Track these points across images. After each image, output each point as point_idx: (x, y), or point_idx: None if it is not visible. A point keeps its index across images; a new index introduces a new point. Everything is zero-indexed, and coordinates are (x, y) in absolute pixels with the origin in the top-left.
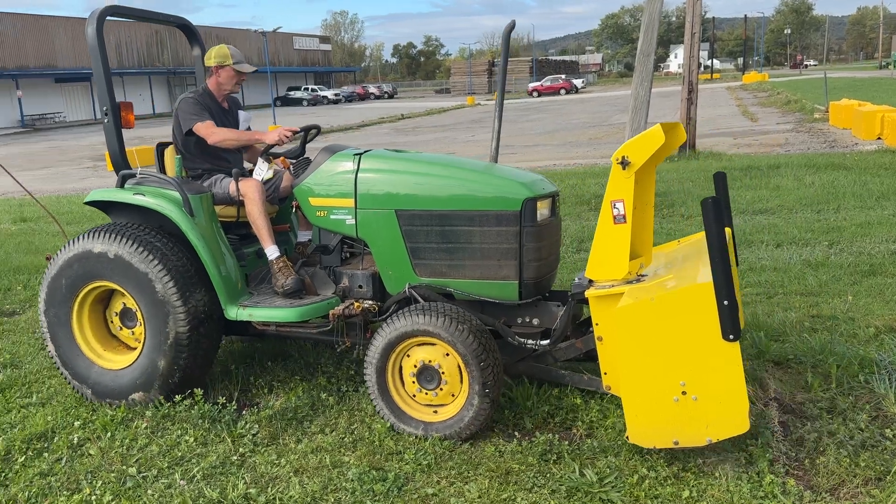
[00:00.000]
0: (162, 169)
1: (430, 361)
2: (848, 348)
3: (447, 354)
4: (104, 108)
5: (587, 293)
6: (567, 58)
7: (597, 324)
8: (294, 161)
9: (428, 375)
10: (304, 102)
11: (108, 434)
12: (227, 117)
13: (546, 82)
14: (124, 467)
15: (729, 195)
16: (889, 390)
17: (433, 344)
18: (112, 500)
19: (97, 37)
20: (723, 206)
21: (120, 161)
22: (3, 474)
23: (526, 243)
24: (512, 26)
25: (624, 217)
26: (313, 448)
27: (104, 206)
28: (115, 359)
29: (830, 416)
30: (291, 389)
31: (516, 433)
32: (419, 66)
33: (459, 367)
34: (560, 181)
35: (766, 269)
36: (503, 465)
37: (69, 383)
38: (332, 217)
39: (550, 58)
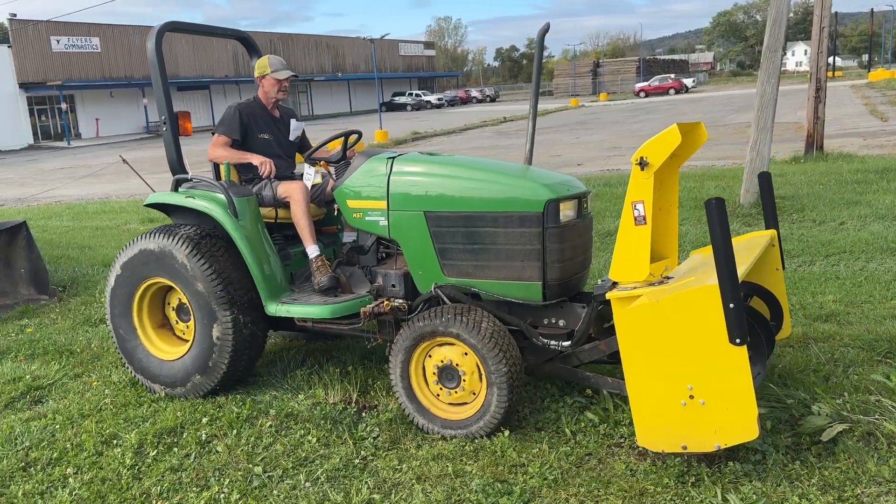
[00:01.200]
0: (218, 173)
1: (450, 361)
2: None
3: (465, 354)
4: (163, 118)
5: (608, 295)
6: (676, 57)
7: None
8: (335, 165)
9: (448, 374)
10: (408, 107)
11: (234, 431)
12: (277, 125)
13: (654, 82)
14: (250, 466)
15: (774, 197)
16: None
17: (452, 344)
18: (239, 499)
19: (156, 51)
20: (725, 207)
21: (177, 166)
22: (137, 467)
23: (549, 244)
24: (546, 29)
25: (644, 218)
26: (434, 455)
27: (165, 208)
28: (170, 350)
29: None
30: None
31: (649, 452)
32: (521, 68)
33: (477, 365)
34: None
35: None
36: (636, 485)
37: (132, 373)
38: (367, 218)
39: (658, 57)
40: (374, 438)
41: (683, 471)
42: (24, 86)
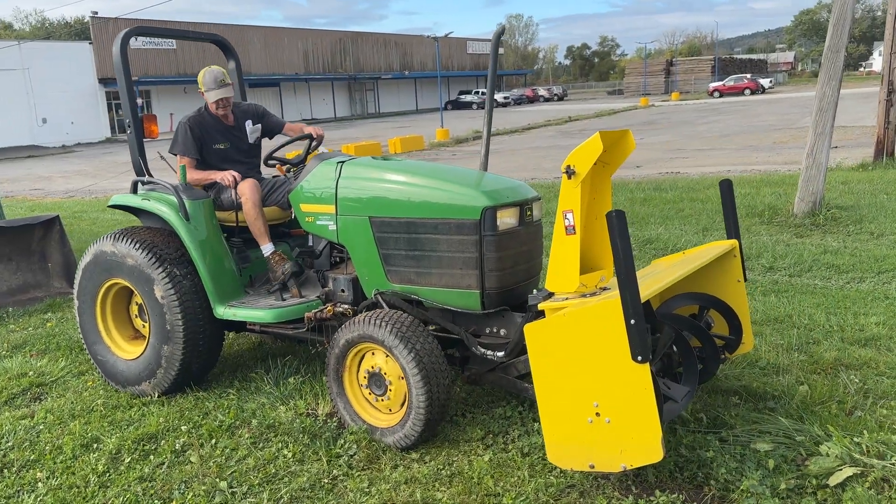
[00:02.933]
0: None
1: (378, 368)
2: None
3: (388, 361)
4: (127, 122)
5: (541, 305)
6: (754, 56)
7: None
8: (293, 168)
9: (377, 381)
10: (474, 105)
11: (213, 441)
12: (232, 132)
13: (729, 82)
14: (218, 480)
15: (735, 205)
16: None
17: (379, 351)
18: None
19: (121, 55)
20: (625, 219)
21: (140, 168)
22: (108, 474)
23: (487, 253)
24: (501, 31)
25: (574, 228)
26: (407, 478)
27: (132, 210)
28: (130, 349)
29: None
30: None
31: (634, 487)
32: (592, 67)
33: (400, 374)
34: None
35: None
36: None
37: (101, 376)
38: (318, 222)
39: (735, 56)
40: (351, 456)
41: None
42: (103, 81)
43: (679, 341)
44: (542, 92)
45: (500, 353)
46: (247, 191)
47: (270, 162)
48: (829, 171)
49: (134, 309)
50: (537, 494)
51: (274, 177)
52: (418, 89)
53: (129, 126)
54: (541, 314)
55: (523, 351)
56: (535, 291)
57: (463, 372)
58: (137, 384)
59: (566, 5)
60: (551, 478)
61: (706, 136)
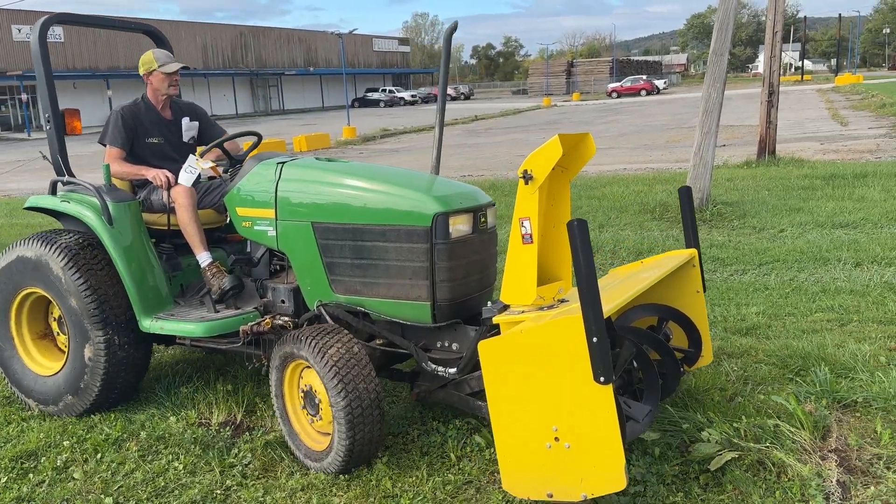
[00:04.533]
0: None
1: (310, 386)
2: None
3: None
4: (46, 116)
5: (496, 319)
6: (650, 58)
7: None
8: (229, 168)
9: (311, 400)
10: (381, 103)
11: (98, 456)
12: (168, 127)
13: (626, 83)
14: (102, 496)
15: (694, 212)
16: None
17: (310, 367)
18: None
19: (40, 45)
20: (587, 228)
21: (61, 167)
22: None
23: (438, 262)
24: (453, 28)
25: (531, 237)
26: (304, 485)
27: (51, 213)
28: (48, 364)
29: None
30: None
31: None
32: (497, 67)
33: (329, 404)
34: (626, 187)
35: (841, 292)
36: None
37: (16, 395)
38: (255, 228)
39: (632, 58)
40: (245, 465)
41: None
42: None
43: (640, 357)
44: (449, 91)
45: (453, 370)
46: (181, 196)
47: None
48: (715, 169)
49: (53, 322)
50: (435, 493)
51: (210, 178)
52: (324, 86)
53: (48, 121)
54: (495, 328)
55: (476, 367)
56: (489, 304)
57: (412, 389)
58: (56, 403)
59: (471, 5)
60: (449, 475)
61: (605, 135)
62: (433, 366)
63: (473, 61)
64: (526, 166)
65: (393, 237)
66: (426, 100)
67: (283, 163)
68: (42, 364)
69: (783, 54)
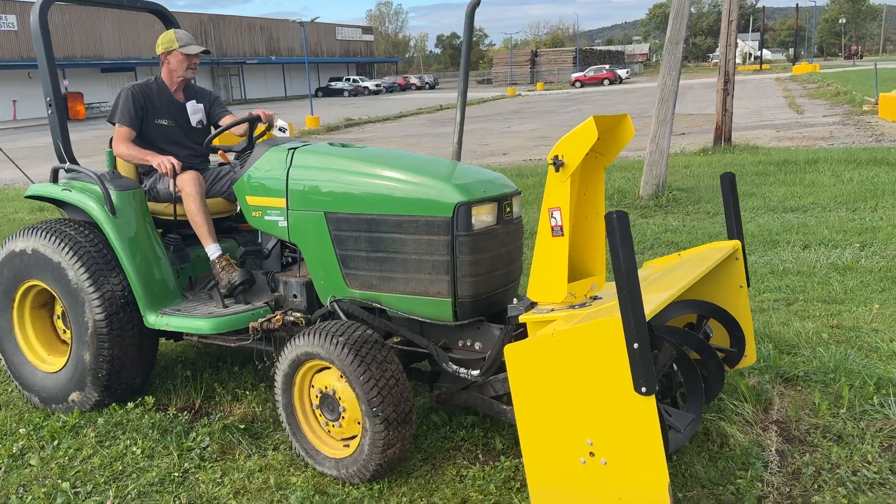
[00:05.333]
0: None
1: (331, 389)
2: (865, 365)
3: (341, 377)
4: (48, 100)
5: (522, 318)
6: (613, 48)
7: None
8: (239, 154)
9: (329, 405)
10: (346, 93)
11: (55, 442)
12: (181, 111)
13: (589, 73)
14: (59, 481)
15: (738, 201)
16: None
17: (328, 368)
18: None
19: (41, 25)
20: (628, 221)
21: (62, 154)
22: None
23: (460, 255)
24: (476, 3)
25: (561, 228)
26: (262, 466)
27: (53, 201)
28: (52, 360)
29: (837, 445)
30: (256, 398)
31: (480, 455)
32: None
33: (354, 398)
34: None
35: (788, 273)
36: (461, 491)
37: (20, 392)
38: (266, 218)
39: (595, 48)
40: (203, 449)
41: (510, 476)
42: None
43: (681, 360)
44: (413, 80)
45: (475, 372)
46: (188, 185)
47: (213, 146)
48: (673, 157)
49: (58, 319)
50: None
51: (220, 164)
52: (287, 75)
53: (50, 106)
54: (522, 328)
55: (501, 368)
56: (515, 301)
57: (432, 390)
58: (60, 401)
59: None
60: (457, 486)
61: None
62: (454, 367)
63: (438, 51)
64: (557, 151)
65: (411, 228)
66: (390, 89)
67: (295, 149)
68: (46, 360)
69: (743, 44)
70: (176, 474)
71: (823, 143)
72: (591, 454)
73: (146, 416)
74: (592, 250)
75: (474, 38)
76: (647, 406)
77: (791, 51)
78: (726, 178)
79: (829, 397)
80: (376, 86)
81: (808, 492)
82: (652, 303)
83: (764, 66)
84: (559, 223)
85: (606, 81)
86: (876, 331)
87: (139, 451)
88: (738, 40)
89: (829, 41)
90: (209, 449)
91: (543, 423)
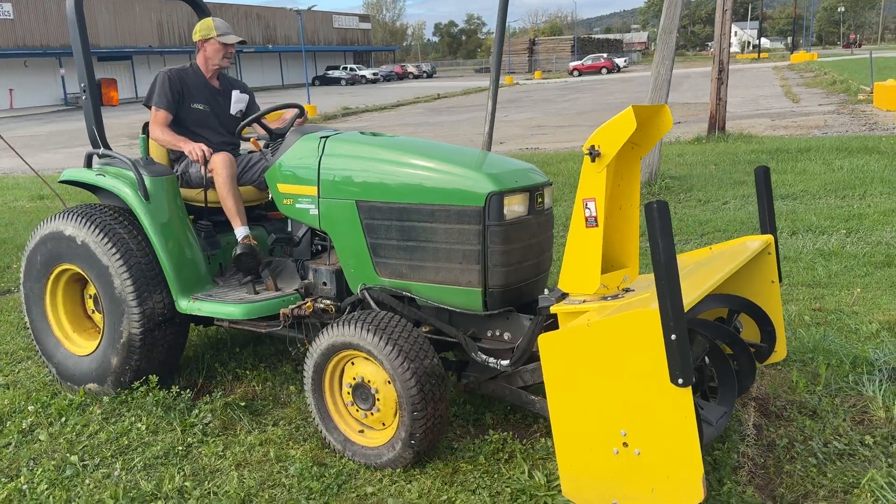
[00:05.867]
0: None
1: (363, 378)
2: (843, 346)
3: (377, 371)
4: (82, 86)
5: (553, 308)
6: (611, 36)
7: None
8: (269, 143)
9: (363, 394)
10: (343, 82)
11: (63, 419)
12: (215, 96)
13: (587, 61)
14: (68, 455)
15: (772, 194)
16: (878, 393)
17: (366, 358)
18: (47, 489)
19: (77, 12)
20: (668, 211)
21: (96, 139)
22: None
23: (491, 245)
24: None
25: (596, 219)
26: (262, 440)
27: (88, 187)
28: (83, 344)
29: (811, 419)
30: (256, 377)
31: (471, 429)
32: (460, 45)
33: (396, 401)
34: (580, 163)
35: None
36: (452, 463)
37: (40, 358)
38: (297, 206)
39: (593, 36)
40: (205, 425)
41: (498, 448)
42: None
43: (714, 353)
44: (411, 69)
45: (505, 362)
46: (219, 165)
47: (245, 136)
48: (667, 145)
49: (89, 299)
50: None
51: (249, 152)
52: (284, 64)
53: (84, 91)
54: (552, 318)
55: (531, 359)
56: (546, 291)
57: (460, 379)
58: (91, 382)
59: None
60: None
61: (565, 113)
62: (483, 356)
63: (436, 39)
64: (593, 141)
65: (442, 218)
66: (388, 78)
67: (327, 137)
68: (77, 343)
69: (742, 32)
70: (179, 448)
71: (817, 131)
72: (625, 444)
73: (150, 394)
74: (626, 242)
75: (472, 27)
76: (684, 397)
77: (790, 39)
78: (760, 171)
79: (807, 375)
80: (374, 74)
81: (781, 462)
82: (688, 296)
83: (762, 54)
84: (593, 214)
85: (604, 70)
86: (856, 313)
87: (144, 427)
88: (737, 28)
89: (828, 30)
90: (211, 425)
91: (576, 413)
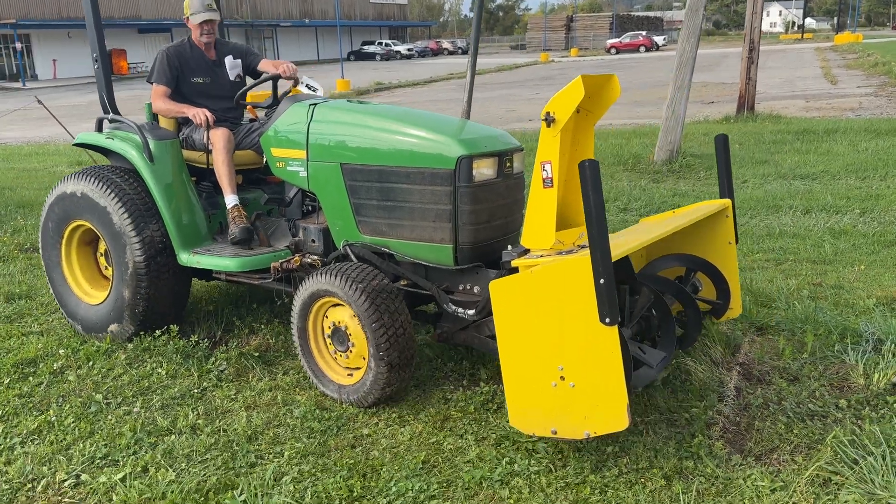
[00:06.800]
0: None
1: (339, 322)
2: (834, 317)
3: (353, 316)
4: (94, 56)
5: (514, 262)
6: (651, 14)
7: None
8: (265, 110)
9: (339, 337)
10: (378, 57)
11: (90, 363)
12: (214, 68)
13: (625, 39)
14: (94, 393)
15: (730, 162)
16: (859, 361)
17: (342, 305)
18: (73, 422)
19: None
20: (598, 169)
21: (107, 105)
22: None
23: (461, 205)
24: None
25: (551, 180)
26: (272, 386)
27: (100, 150)
28: (94, 294)
29: (791, 383)
30: (270, 331)
31: (465, 382)
32: (497, 21)
33: (361, 329)
34: (604, 140)
35: (784, 235)
36: (444, 411)
37: (66, 319)
38: (288, 168)
39: (634, 13)
40: (220, 371)
41: (488, 399)
42: None
43: (658, 304)
44: (446, 45)
45: (472, 312)
46: (218, 140)
47: (243, 103)
48: (695, 124)
49: (101, 257)
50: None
51: (251, 120)
52: (320, 38)
53: (96, 61)
54: (514, 271)
55: None
56: (509, 247)
57: (435, 329)
58: (101, 330)
59: None
60: (441, 406)
61: None
62: (454, 307)
63: (472, 14)
64: (548, 108)
65: (417, 179)
66: (422, 54)
67: (315, 104)
68: (90, 293)
69: (787, 12)
70: (195, 391)
71: (851, 113)
72: (562, 378)
73: (170, 342)
74: (580, 202)
75: (510, 3)
76: (611, 335)
77: (836, 20)
78: (720, 139)
79: (794, 344)
80: (408, 50)
81: (754, 420)
82: (624, 246)
83: (806, 35)
84: (549, 175)
85: (643, 48)
86: (856, 289)
87: (164, 372)
88: (782, 8)
89: (878, 10)
90: (226, 372)
91: (521, 350)
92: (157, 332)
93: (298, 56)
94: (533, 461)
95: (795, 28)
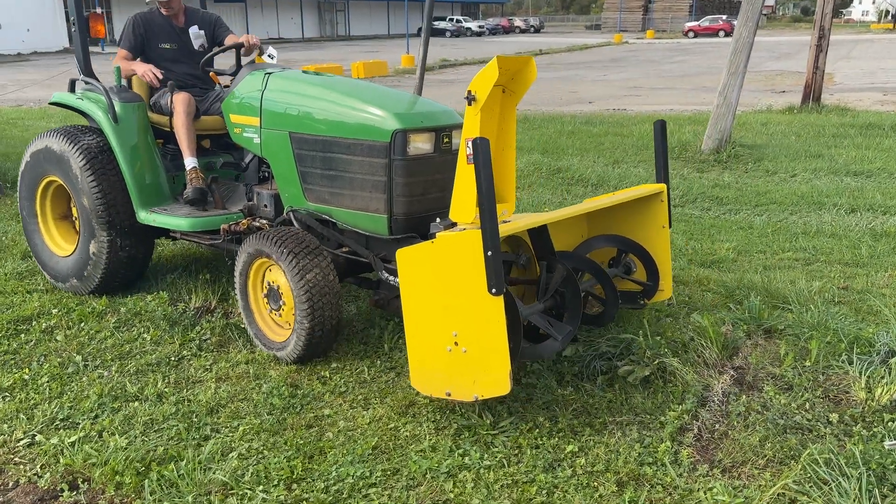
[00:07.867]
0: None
1: (274, 283)
2: (848, 324)
3: (285, 275)
4: (72, 20)
5: (439, 235)
6: None
7: None
8: (230, 77)
9: (274, 296)
10: (447, 33)
11: (81, 324)
12: (181, 36)
13: (704, 22)
14: (74, 354)
15: (667, 148)
16: (863, 373)
17: (276, 266)
18: (46, 381)
19: None
20: (489, 147)
21: (83, 67)
22: None
23: (395, 177)
24: None
25: (472, 157)
26: (248, 359)
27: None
28: (64, 245)
29: (783, 393)
30: None
31: (385, 346)
32: None
33: (290, 289)
34: (652, 126)
35: (822, 234)
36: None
37: (40, 269)
38: (244, 134)
39: None
40: (203, 340)
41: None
42: None
43: (568, 281)
44: (518, 22)
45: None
46: (178, 104)
47: (207, 69)
48: (755, 113)
49: (74, 207)
50: (358, 376)
51: (225, 87)
52: (391, 13)
53: (73, 24)
54: None
55: None
56: (437, 220)
57: (374, 295)
58: (68, 280)
59: None
60: (378, 362)
61: (667, 75)
62: (387, 275)
63: None
64: (470, 88)
65: (357, 151)
66: (493, 31)
67: (270, 73)
68: (59, 245)
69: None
70: (173, 359)
71: None
72: (456, 343)
73: (160, 308)
74: (505, 179)
75: None
76: (496, 305)
77: None
78: (658, 125)
79: (798, 350)
80: (479, 27)
81: (732, 429)
82: (531, 220)
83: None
84: (471, 152)
85: (721, 33)
86: (883, 295)
87: (149, 338)
88: None
89: None
90: (209, 341)
91: (422, 316)
92: (149, 297)
93: (369, 30)
94: (487, 455)
95: (889, 17)
